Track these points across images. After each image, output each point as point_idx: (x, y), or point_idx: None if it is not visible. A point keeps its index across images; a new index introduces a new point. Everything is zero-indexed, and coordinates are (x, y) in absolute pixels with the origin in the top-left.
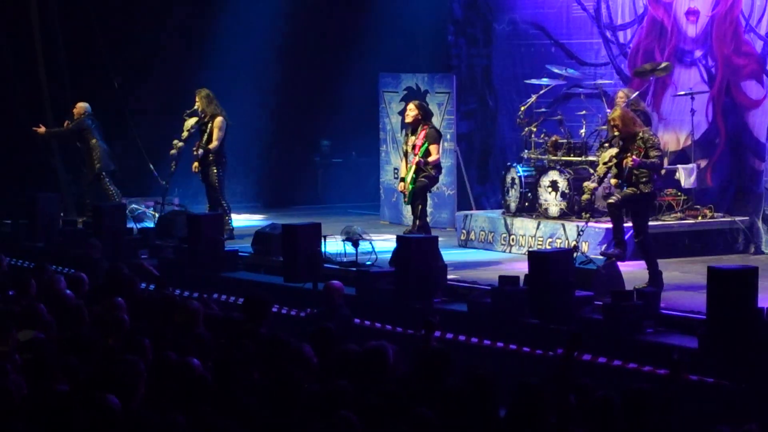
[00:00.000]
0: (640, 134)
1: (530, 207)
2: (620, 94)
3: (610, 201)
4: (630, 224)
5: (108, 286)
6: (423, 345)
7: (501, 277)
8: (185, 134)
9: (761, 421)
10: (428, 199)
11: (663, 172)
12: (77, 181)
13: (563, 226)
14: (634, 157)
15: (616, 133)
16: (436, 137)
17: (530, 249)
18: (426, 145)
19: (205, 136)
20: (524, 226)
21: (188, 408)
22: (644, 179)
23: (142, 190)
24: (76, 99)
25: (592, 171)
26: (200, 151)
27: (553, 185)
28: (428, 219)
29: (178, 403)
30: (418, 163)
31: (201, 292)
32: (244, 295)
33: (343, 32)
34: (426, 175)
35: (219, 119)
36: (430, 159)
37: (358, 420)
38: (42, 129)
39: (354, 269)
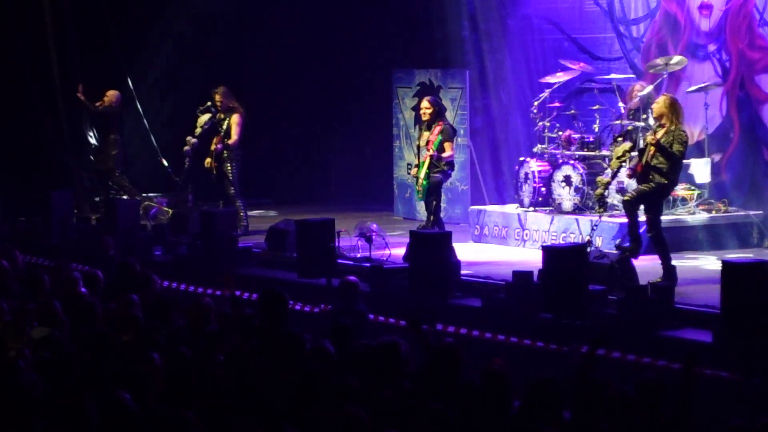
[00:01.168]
0: (673, 127)
1: (544, 202)
2: (636, 87)
3: (625, 198)
4: (644, 219)
5: (121, 283)
6: (419, 341)
7: (515, 272)
8: (198, 131)
9: None
10: (442, 194)
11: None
12: (91, 178)
13: (577, 220)
14: (657, 138)
15: (654, 110)
16: (450, 134)
17: (544, 244)
18: (440, 140)
19: (222, 133)
20: (538, 221)
21: (204, 404)
22: (661, 169)
23: (156, 186)
24: (90, 97)
25: (605, 166)
26: (219, 146)
27: (567, 180)
28: (442, 214)
29: (194, 400)
30: (431, 157)
31: (215, 289)
32: (259, 291)
33: (357, 28)
34: (439, 170)
35: (235, 115)
36: (444, 155)
37: (367, 416)
38: (82, 96)
39: (368, 265)
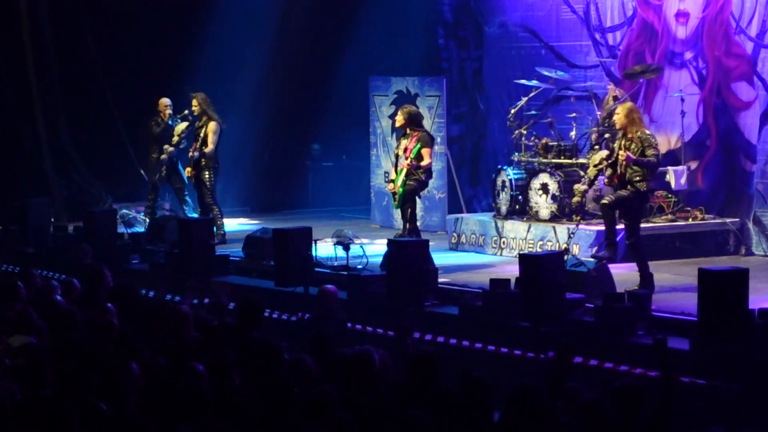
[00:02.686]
0: (638, 133)
1: (521, 210)
2: (610, 95)
3: (604, 201)
4: (622, 226)
5: (96, 290)
6: (402, 348)
7: (492, 280)
8: (176, 139)
9: (753, 422)
10: (418, 202)
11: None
12: (68, 186)
13: (554, 228)
14: (628, 153)
15: (617, 122)
16: (428, 141)
17: (521, 252)
18: (418, 147)
19: (200, 140)
20: (515, 229)
21: (185, 413)
22: (638, 178)
23: (133, 195)
24: (67, 103)
25: (582, 173)
26: (196, 153)
27: (544, 188)
28: (419, 222)
29: (174, 409)
30: (409, 166)
31: (192, 297)
32: (236, 300)
33: (334, 35)
34: (416, 178)
35: (213, 123)
36: (423, 163)
37: (351, 422)
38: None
39: (345, 273)
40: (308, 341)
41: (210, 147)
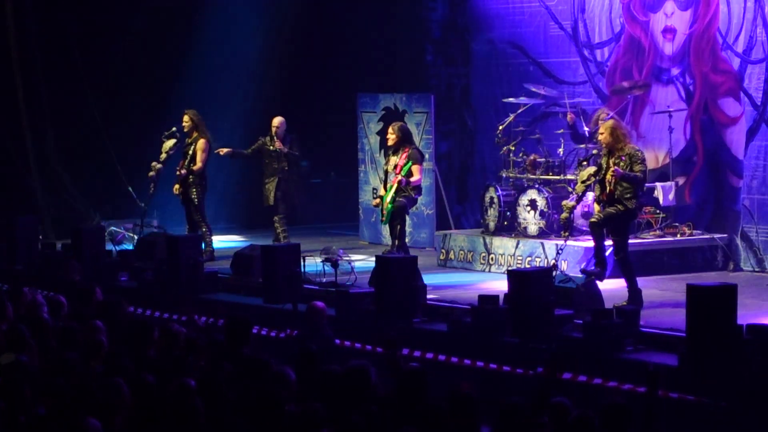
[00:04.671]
0: (626, 150)
1: (509, 226)
2: (602, 113)
3: (592, 220)
4: (611, 242)
5: (84, 307)
6: (392, 364)
7: (481, 297)
8: (163, 156)
9: None
10: (407, 219)
11: (645, 188)
12: (56, 203)
13: (542, 244)
14: (616, 168)
15: (602, 142)
16: (418, 158)
17: (509, 268)
18: (409, 164)
19: (188, 158)
20: (503, 245)
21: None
22: (628, 195)
23: (121, 212)
24: (54, 120)
25: (570, 189)
26: (183, 171)
27: (532, 204)
28: (407, 239)
29: (161, 426)
30: (399, 182)
31: (180, 314)
32: (225, 316)
33: (321, 52)
34: (405, 195)
35: (202, 141)
36: (412, 179)
37: None
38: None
39: (333, 290)
40: (294, 357)
41: (198, 165)
